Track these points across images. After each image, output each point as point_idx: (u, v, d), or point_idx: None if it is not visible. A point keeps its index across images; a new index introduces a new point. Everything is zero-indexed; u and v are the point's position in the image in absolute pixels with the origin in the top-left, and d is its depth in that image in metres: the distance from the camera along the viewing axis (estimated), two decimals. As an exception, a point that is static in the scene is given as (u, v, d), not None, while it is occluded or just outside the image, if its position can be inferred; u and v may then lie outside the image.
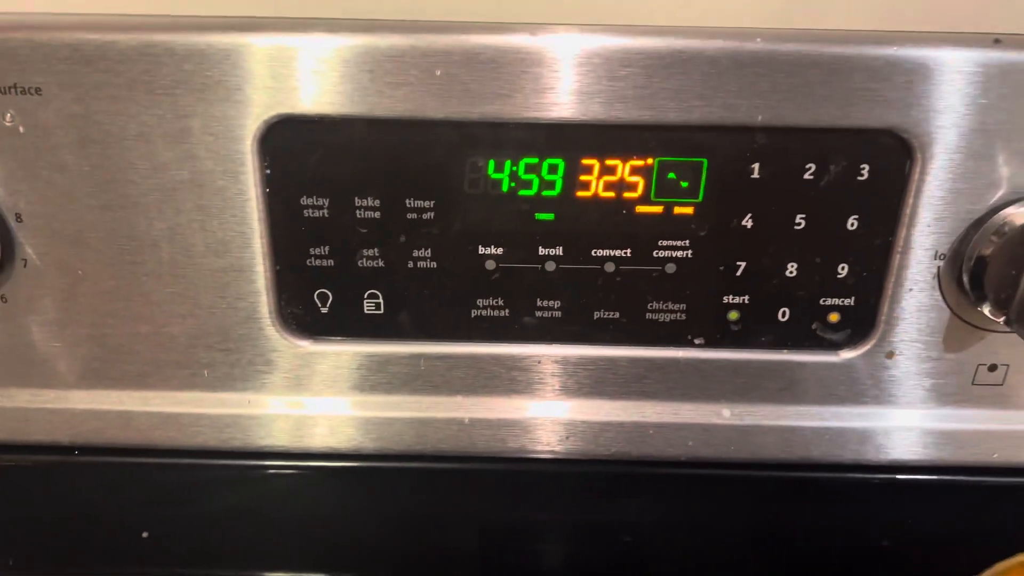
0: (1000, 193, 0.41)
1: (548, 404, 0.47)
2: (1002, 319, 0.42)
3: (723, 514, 0.50)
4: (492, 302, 0.45)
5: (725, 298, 0.44)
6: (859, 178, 0.41)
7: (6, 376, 0.46)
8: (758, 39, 0.39)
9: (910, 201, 0.42)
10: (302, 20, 0.39)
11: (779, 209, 0.42)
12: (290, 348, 0.45)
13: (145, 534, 0.53)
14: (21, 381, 0.46)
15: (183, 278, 0.44)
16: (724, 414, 0.47)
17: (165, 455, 0.49)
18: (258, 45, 0.39)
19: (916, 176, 0.41)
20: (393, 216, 0.43)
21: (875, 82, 0.39)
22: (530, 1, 0.40)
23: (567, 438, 0.48)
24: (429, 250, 0.43)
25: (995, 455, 0.47)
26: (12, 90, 0.39)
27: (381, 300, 0.45)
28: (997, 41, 0.39)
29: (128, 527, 0.52)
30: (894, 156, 0.41)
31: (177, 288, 0.44)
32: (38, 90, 0.39)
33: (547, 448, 0.48)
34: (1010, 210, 0.41)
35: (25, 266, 0.43)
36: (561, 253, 0.44)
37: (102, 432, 0.47)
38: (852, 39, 0.39)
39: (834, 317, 0.45)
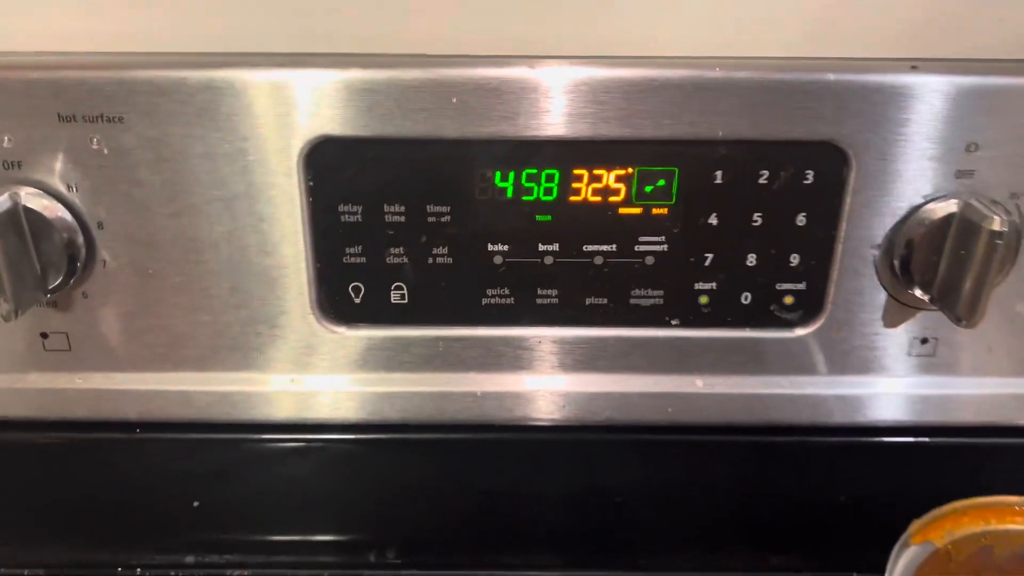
0: (923, 192, 0.48)
1: (548, 378, 0.54)
2: (928, 298, 0.50)
3: (698, 470, 0.58)
4: (500, 292, 0.52)
5: (696, 285, 0.52)
6: (805, 182, 0.49)
7: (85, 361, 0.53)
8: (717, 68, 0.46)
9: (848, 200, 0.49)
10: (340, 57, 0.47)
11: (739, 209, 0.50)
12: (328, 334, 0.52)
13: (196, 503, 0.60)
14: (97, 365, 0.53)
15: (238, 274, 0.51)
16: (698, 384, 0.54)
17: (218, 430, 0.56)
18: (303, 78, 0.46)
19: (852, 179, 0.48)
20: (416, 220, 0.50)
21: (815, 102, 0.47)
22: (528, 39, 0.48)
23: (564, 407, 0.55)
24: (446, 248, 0.50)
25: (930, 416, 0.55)
26: (99, 119, 0.46)
27: (406, 291, 0.52)
28: (914, 67, 0.47)
29: (181, 497, 0.60)
30: (833, 163, 0.48)
31: (233, 283, 0.51)
32: (121, 119, 0.47)
33: (548, 416, 0.55)
34: (930, 206, 0.48)
35: (104, 267, 0.50)
36: (557, 249, 0.51)
37: (166, 409, 0.54)
38: (794, 67, 0.47)
39: (789, 300, 0.52)
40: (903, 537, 0.53)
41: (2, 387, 0.54)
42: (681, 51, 0.48)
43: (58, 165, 0.48)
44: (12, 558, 0.60)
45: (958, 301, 0.47)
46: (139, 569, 0.61)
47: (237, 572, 0.61)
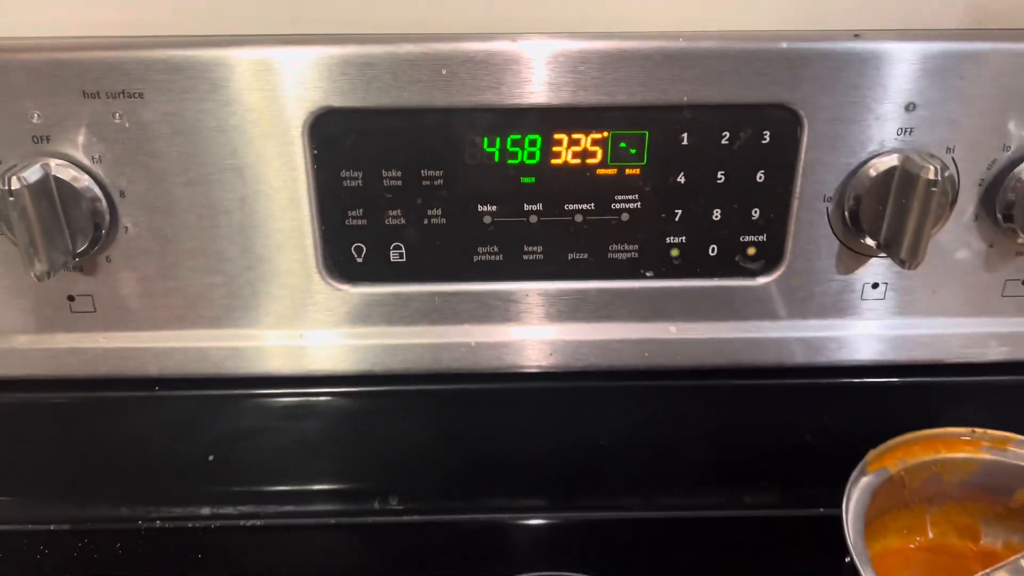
0: (869, 148, 0.53)
1: (535, 328, 0.59)
2: (876, 245, 0.55)
3: (676, 414, 0.63)
4: (489, 249, 0.56)
5: (668, 239, 0.56)
6: (763, 142, 0.53)
7: (110, 322, 0.57)
8: (680, 39, 0.51)
9: (802, 157, 0.54)
10: (340, 36, 0.51)
11: (704, 168, 0.54)
12: (333, 291, 0.57)
13: (211, 457, 0.64)
14: (121, 326, 0.57)
15: (249, 238, 0.55)
16: (672, 330, 0.59)
17: (231, 386, 0.61)
18: (306, 55, 0.50)
19: (805, 139, 0.53)
20: (411, 183, 0.54)
21: (770, 69, 0.51)
22: (510, 17, 0.53)
23: (551, 355, 0.59)
24: (440, 209, 0.55)
25: (884, 356, 0.60)
26: (120, 95, 0.51)
27: (404, 250, 0.56)
28: (857, 35, 0.52)
29: (197, 451, 0.64)
30: (788, 124, 0.53)
31: (244, 246, 0.55)
32: (140, 94, 0.51)
33: (536, 363, 0.60)
34: (875, 160, 0.53)
35: (126, 233, 0.54)
36: (541, 208, 0.55)
37: (184, 365, 0.58)
38: (751, 37, 0.52)
39: (752, 251, 0.57)
40: (860, 465, 0.57)
41: (32, 347, 0.58)
42: (649, 26, 0.53)
43: (83, 138, 0.52)
44: (38, 514, 0.64)
45: (901, 245, 0.52)
46: (158, 522, 0.64)
47: (250, 522, 0.65)
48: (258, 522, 0.65)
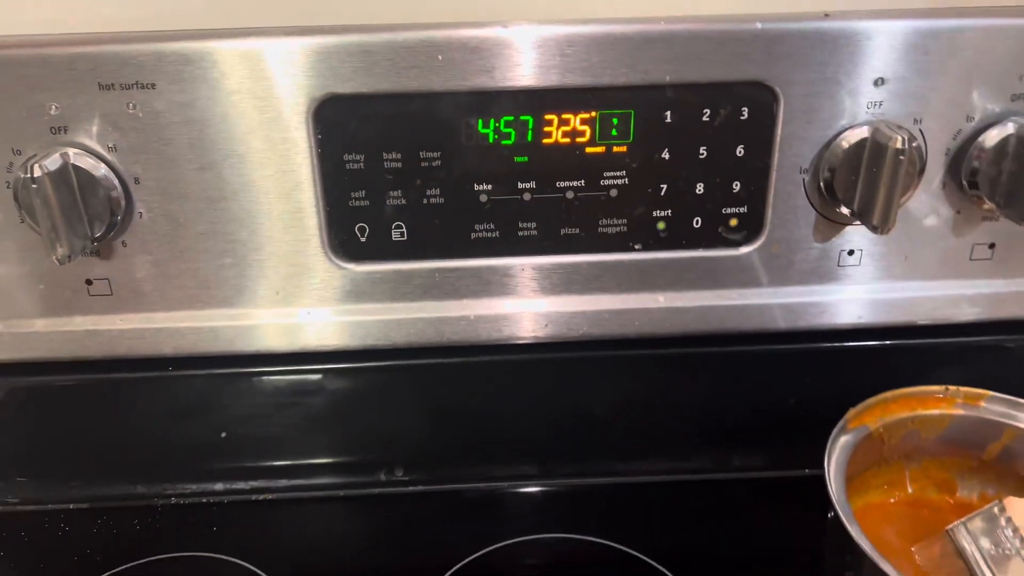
0: (841, 122, 0.57)
1: (531, 301, 0.61)
2: (850, 213, 0.58)
3: (666, 381, 0.66)
4: (486, 226, 0.59)
5: (654, 213, 0.59)
6: (742, 118, 0.56)
7: (126, 304, 0.60)
8: (662, 22, 0.54)
9: (779, 132, 0.57)
10: (341, 26, 0.54)
11: (687, 144, 0.57)
12: (339, 270, 0.59)
13: (223, 434, 0.67)
14: (136, 308, 0.60)
15: (257, 220, 0.57)
16: (660, 300, 0.62)
17: (242, 363, 0.63)
18: (310, 44, 0.53)
19: (781, 114, 0.56)
20: (411, 165, 0.57)
21: (746, 48, 0.54)
22: (501, 4, 0.56)
23: (547, 326, 0.62)
24: (438, 189, 0.57)
25: (860, 319, 0.64)
26: (134, 86, 0.53)
27: (405, 229, 0.59)
28: (826, 15, 0.55)
29: (209, 429, 0.67)
30: (765, 100, 0.56)
31: (253, 228, 0.58)
32: (153, 85, 0.53)
33: (532, 334, 0.62)
34: (847, 133, 0.56)
35: (141, 218, 0.57)
36: (534, 186, 0.58)
37: (198, 344, 0.61)
38: (727, 19, 0.55)
39: (734, 222, 0.60)
40: (840, 423, 0.58)
41: (51, 330, 0.60)
42: (631, 11, 0.55)
43: (99, 128, 0.54)
44: (58, 494, 0.66)
45: (874, 213, 0.56)
46: (174, 498, 0.67)
47: (262, 496, 0.67)
48: (270, 496, 0.67)
